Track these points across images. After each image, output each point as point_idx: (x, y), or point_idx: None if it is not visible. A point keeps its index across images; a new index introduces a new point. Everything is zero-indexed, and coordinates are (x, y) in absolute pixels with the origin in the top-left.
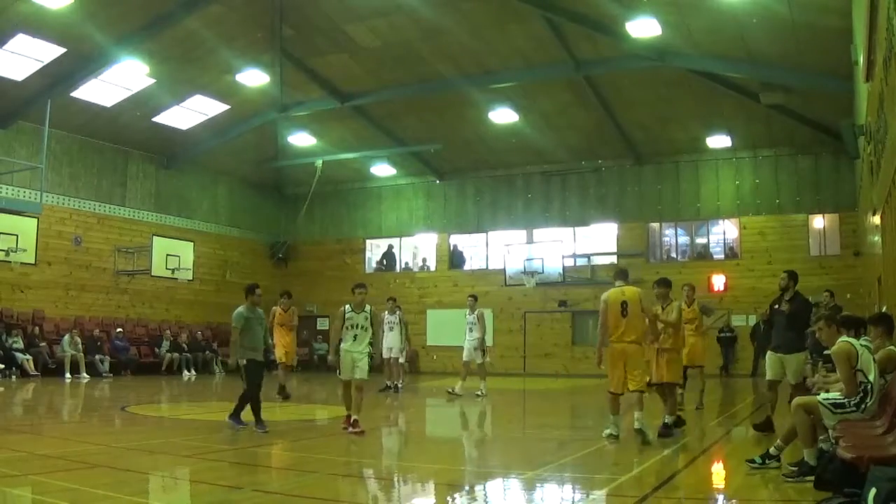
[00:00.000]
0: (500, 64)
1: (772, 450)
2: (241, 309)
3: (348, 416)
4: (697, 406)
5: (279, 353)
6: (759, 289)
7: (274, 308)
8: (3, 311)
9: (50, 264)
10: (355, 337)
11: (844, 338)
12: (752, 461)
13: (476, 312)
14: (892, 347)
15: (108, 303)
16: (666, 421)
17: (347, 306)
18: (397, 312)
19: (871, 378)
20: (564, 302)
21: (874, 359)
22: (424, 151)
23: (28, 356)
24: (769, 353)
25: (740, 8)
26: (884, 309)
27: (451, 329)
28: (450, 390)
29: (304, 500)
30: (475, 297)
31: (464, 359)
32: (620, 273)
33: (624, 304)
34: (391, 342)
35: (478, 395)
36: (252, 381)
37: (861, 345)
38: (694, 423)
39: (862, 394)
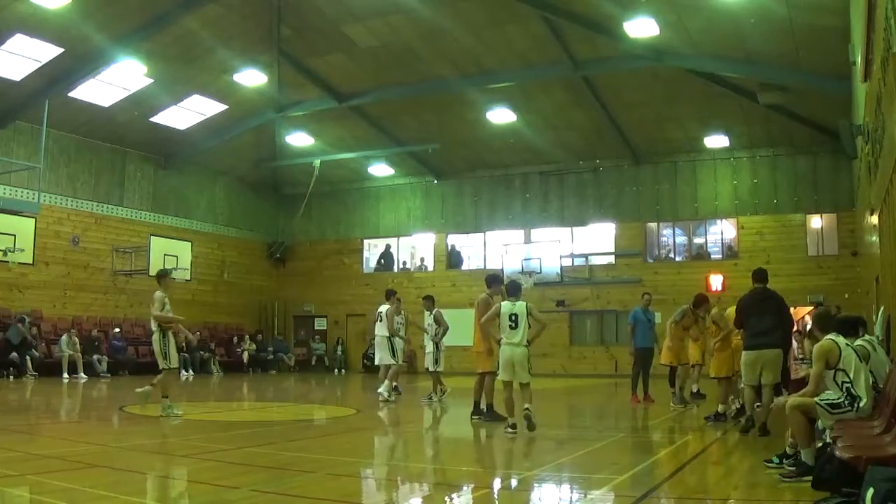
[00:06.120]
0: (498, 64)
1: (788, 449)
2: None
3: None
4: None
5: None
6: None
7: (483, 296)
8: (0, 310)
9: (48, 264)
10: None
11: (832, 336)
12: (770, 461)
13: (385, 309)
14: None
15: (106, 303)
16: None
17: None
18: (403, 312)
19: (852, 377)
20: (562, 302)
21: (860, 357)
22: (422, 151)
23: (26, 356)
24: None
25: (738, 8)
26: (881, 309)
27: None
28: (381, 398)
29: (302, 500)
30: (394, 292)
31: (384, 362)
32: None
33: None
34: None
35: (381, 399)
36: None
37: (847, 344)
38: (689, 423)
39: (847, 396)
